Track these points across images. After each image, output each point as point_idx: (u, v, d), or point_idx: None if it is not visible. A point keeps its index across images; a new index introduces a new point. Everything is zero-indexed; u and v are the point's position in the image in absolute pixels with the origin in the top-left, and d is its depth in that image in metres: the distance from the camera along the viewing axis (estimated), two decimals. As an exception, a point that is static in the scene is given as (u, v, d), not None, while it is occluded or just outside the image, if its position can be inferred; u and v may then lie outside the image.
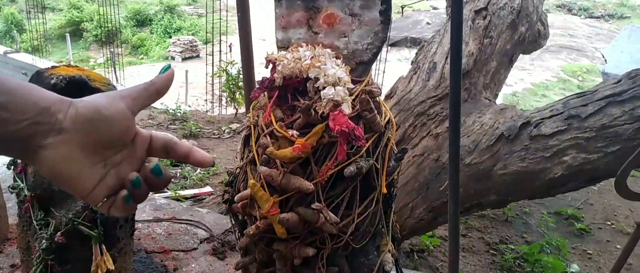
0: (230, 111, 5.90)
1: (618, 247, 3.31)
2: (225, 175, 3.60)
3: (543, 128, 2.27)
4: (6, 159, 1.59)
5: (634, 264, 3.14)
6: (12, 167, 1.29)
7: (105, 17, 12.09)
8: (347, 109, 1.04)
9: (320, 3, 1.18)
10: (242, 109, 5.24)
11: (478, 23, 2.73)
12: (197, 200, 3.17)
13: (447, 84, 2.53)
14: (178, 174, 3.71)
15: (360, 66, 1.19)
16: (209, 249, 1.71)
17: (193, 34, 20.01)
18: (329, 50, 1.14)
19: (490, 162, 2.33)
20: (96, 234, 1.25)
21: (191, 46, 18.51)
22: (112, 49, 13.00)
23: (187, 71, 12.12)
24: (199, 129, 4.63)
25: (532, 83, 16.03)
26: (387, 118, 1.22)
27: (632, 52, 5.95)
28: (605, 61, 6.16)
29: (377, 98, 1.20)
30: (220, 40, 9.38)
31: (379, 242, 1.29)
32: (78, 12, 20.62)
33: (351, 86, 1.11)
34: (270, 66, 1.13)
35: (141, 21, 21.36)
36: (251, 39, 2.03)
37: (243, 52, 2.04)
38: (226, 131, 4.66)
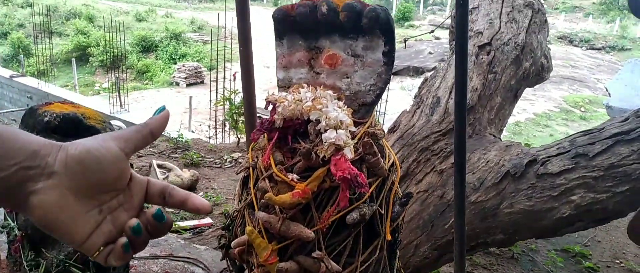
0: (233, 139, 5.89)
1: (627, 286, 3.23)
2: (226, 205, 3.57)
3: (550, 166, 2.22)
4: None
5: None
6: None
7: (111, 42, 12.22)
8: (349, 153, 1.01)
9: (322, 43, 1.16)
10: (244, 138, 5.23)
11: (482, 58, 2.72)
12: (196, 231, 3.12)
13: (450, 119, 2.50)
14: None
15: (362, 108, 1.16)
16: (206, 289, 1.65)
17: (198, 61, 20.20)
18: (330, 92, 1.11)
19: (496, 200, 2.28)
20: (88, 276, 1.21)
21: (196, 72, 18.66)
22: (117, 75, 13.08)
23: (191, 97, 12.17)
24: (200, 158, 4.60)
25: (534, 113, 16.04)
26: (391, 161, 1.18)
27: (635, 86, 5.95)
28: (609, 94, 6.17)
29: (381, 140, 1.16)
30: (224, 67, 9.44)
31: (382, 290, 1.23)
32: (85, 38, 20.89)
33: (353, 128, 1.08)
34: (270, 107, 1.10)
35: (147, 47, 21.60)
36: (253, 75, 2.01)
37: (244, 87, 2.02)
38: (228, 159, 4.63)
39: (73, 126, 1.18)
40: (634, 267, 3.51)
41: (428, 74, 3.09)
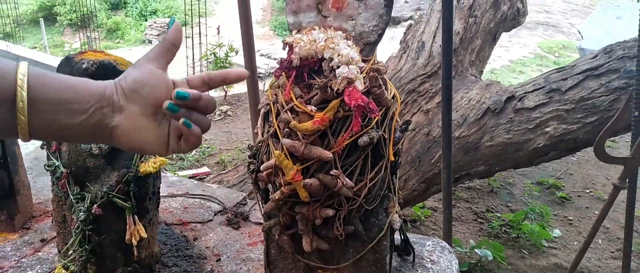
0: (219, 93, 5.95)
1: (596, 212, 3.52)
2: (221, 154, 3.72)
3: (526, 101, 2.43)
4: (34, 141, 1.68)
5: (611, 228, 3.35)
6: (46, 146, 1.39)
7: (78, 0, 11.81)
8: (360, 85, 1.17)
9: (329, -11, 1.29)
10: (232, 92, 5.31)
11: (463, 3, 2.86)
12: (197, 180, 3.27)
13: (435, 62, 2.67)
14: (174, 156, 3.79)
15: (367, 47, 1.32)
16: (223, 220, 1.83)
17: (169, 16, 19.68)
18: (340, 32, 1.25)
19: (477, 135, 2.48)
20: (129, 206, 1.36)
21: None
22: (87, 34, 12.72)
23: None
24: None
25: (510, 60, 16.29)
26: (392, 93, 1.35)
27: (607, 28, 6.16)
28: (582, 36, 6.38)
29: (383, 75, 1.32)
30: (199, 22, 9.29)
31: (386, 204, 1.42)
32: (51, -4, 20.13)
33: (361, 64, 1.23)
34: (287, 48, 1.25)
35: (115, 4, 20.93)
36: (251, 17, 2.12)
37: (243, 33, 2.13)
38: (217, 112, 4.73)
39: (109, 71, 1.31)
40: (602, 195, 3.80)
41: (409, 22, 3.23)
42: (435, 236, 3.15)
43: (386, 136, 1.30)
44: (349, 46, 1.20)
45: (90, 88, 0.65)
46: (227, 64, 5.06)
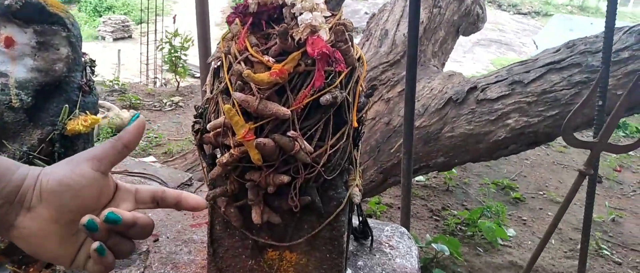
0: (169, 87, 5.73)
1: (549, 214, 3.55)
2: (169, 144, 3.53)
3: (489, 92, 2.38)
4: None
5: (563, 229, 3.38)
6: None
7: (28, -9, 11.31)
8: (324, 35, 1.04)
9: None
10: (184, 83, 5.11)
11: (428, -7, 2.81)
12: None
13: (398, 50, 2.59)
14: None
15: (333, 0, 1.19)
16: (165, 201, 1.66)
17: (125, 14, 19.14)
18: (303, -21, 1.13)
19: (438, 125, 2.41)
20: (52, 170, 1.19)
21: (123, 26, 17.71)
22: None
23: (119, 51, 11.61)
24: (139, 101, 4.46)
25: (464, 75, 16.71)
26: (358, 55, 1.23)
27: (560, 39, 6.33)
28: (536, 47, 6.54)
29: (349, 33, 1.20)
30: (155, 20, 9.05)
31: (346, 177, 1.30)
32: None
33: (327, 14, 1.11)
34: (244, -9, 1.11)
35: (69, -2, 20.18)
36: (208, 11, 1.98)
37: (199, 15, 1.98)
38: (168, 103, 4.52)
39: (35, 12, 1.14)
40: (555, 197, 3.84)
41: (373, 12, 3.15)
42: (390, 232, 3.06)
43: (350, 100, 1.19)
44: (313, -7, 1.08)
45: (7, 177, 0.55)
46: (183, 54, 4.86)
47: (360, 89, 1.25)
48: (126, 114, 3.88)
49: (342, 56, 1.11)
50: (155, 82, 7.41)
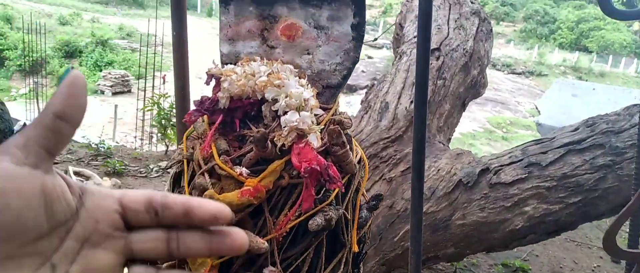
0: (161, 148, 5.49)
1: (566, 301, 3.23)
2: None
3: (503, 175, 2.13)
4: None
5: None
6: None
7: (30, 46, 11.38)
8: (315, 141, 0.80)
9: (278, 10, 0.95)
10: (174, 146, 4.87)
11: (431, 64, 2.61)
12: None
13: (400, 125, 2.36)
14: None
15: (327, 91, 0.96)
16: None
17: (126, 69, 19.25)
18: (290, 66, 0.90)
19: (448, 211, 2.14)
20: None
21: (123, 81, 17.75)
22: (36, 80, 12.19)
23: (116, 106, 11.51)
24: (124, 167, 4.21)
25: (460, 133, 16.66)
26: (358, 156, 0.98)
27: (563, 105, 6.23)
28: (539, 112, 6.40)
29: (348, 131, 0.96)
30: (154, 75, 8.97)
31: (345, 313, 1.01)
32: (1, 39, 19.34)
33: (319, 112, 0.87)
34: (213, 82, 0.87)
35: (70, 53, 20.32)
36: (188, 59, 1.76)
37: (178, 77, 1.77)
38: (154, 169, 4.28)
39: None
40: (571, 281, 3.53)
41: (372, 82, 2.96)
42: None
43: (348, 217, 0.93)
44: (302, 86, 0.85)
45: None
46: (173, 116, 4.66)
47: (361, 199, 1.00)
48: (107, 183, 3.62)
49: (337, 164, 0.86)
50: (142, 145, 7.20)
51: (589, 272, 3.63)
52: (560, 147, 2.15)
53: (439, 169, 2.24)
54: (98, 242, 0.39)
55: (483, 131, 17.41)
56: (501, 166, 2.16)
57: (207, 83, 0.85)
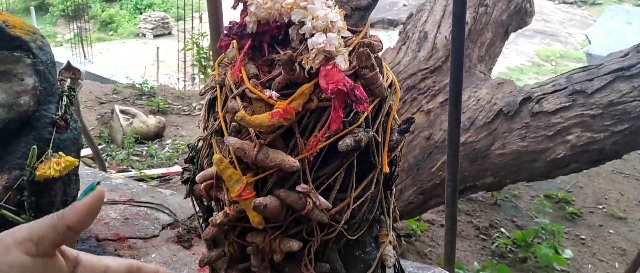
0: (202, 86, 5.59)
1: (611, 231, 3.20)
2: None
3: (545, 104, 2.08)
4: None
5: (628, 249, 3.02)
6: None
7: (72, -9, 11.59)
8: (342, 63, 0.80)
9: None
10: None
11: (472, -10, 2.51)
12: (164, 180, 2.92)
13: (439, 55, 2.32)
14: (144, 152, 3.44)
15: (356, 13, 0.95)
16: (172, 236, 1.47)
17: (165, 11, 19.36)
18: (317, -12, 0.88)
19: (487, 141, 2.13)
20: (24, 220, 1.01)
21: (163, 23, 17.89)
22: (79, 25, 12.49)
23: (158, 48, 11.66)
24: (167, 105, 4.33)
25: (507, 67, 16.12)
26: (389, 80, 0.98)
27: (615, 33, 5.87)
28: (589, 42, 6.08)
29: (378, 54, 0.95)
30: (192, 16, 9.02)
31: (377, 231, 1.05)
32: (44, -15, 19.72)
33: (347, 34, 0.87)
34: (240, 7, 0.88)
35: (111, -4, 20.55)
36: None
37: (211, 13, 1.78)
38: (196, 106, 4.38)
39: (-8, 34, 0.94)
40: (616, 212, 3.48)
41: (410, 12, 2.88)
42: (432, 254, 2.80)
43: (379, 139, 0.94)
44: (328, 7, 0.84)
45: None
46: (209, 55, 4.71)
47: (392, 123, 1.00)
48: (152, 121, 3.75)
49: (367, 87, 0.86)
50: (185, 86, 7.35)
51: (635, 203, 3.55)
52: (608, 74, 2.06)
53: (479, 99, 2.21)
54: None
55: (531, 65, 16.77)
56: (544, 94, 2.10)
57: (234, 7, 0.86)
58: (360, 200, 0.92)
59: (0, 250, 0.44)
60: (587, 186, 3.73)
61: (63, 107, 1.06)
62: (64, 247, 0.49)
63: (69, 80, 1.13)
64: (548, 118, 2.03)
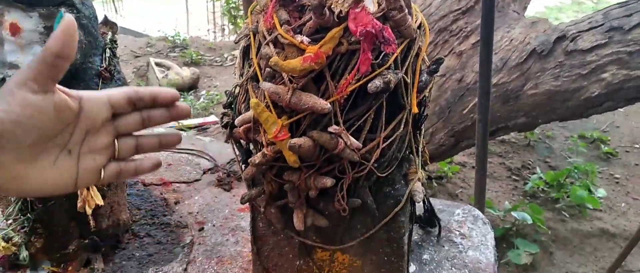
0: (233, 38, 5.63)
1: (646, 170, 3.16)
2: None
3: (580, 42, 2.03)
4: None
5: None
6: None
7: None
8: (371, 5, 0.82)
9: None
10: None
11: None
12: (201, 129, 3.02)
13: (471, -5, 2.27)
14: (181, 98, 3.53)
15: (384, -44, 0.95)
16: (213, 180, 1.56)
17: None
18: None
19: (519, 81, 2.11)
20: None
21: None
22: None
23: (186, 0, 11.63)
24: (200, 57, 4.40)
25: (545, 6, 15.43)
26: (418, 21, 1.00)
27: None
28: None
29: (406, -4, 0.96)
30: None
31: (406, 169, 1.10)
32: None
33: (375, -23, 0.88)
34: (272, -46, 0.90)
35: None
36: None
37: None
38: (228, 58, 4.43)
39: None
40: (653, 151, 3.42)
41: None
42: (463, 195, 2.84)
43: (408, 80, 0.97)
44: (356, -50, 0.85)
45: None
46: (239, 4, 4.69)
47: (421, 64, 1.03)
48: (187, 72, 3.83)
49: (396, 29, 0.89)
50: (215, 37, 7.36)
51: (674, 141, 3.47)
52: (648, 8, 2.00)
53: (511, 39, 2.18)
54: (96, 130, 0.57)
55: (571, 3, 16.02)
56: (579, 32, 2.06)
57: (265, -45, 0.88)
58: (390, 140, 0.96)
59: (6, 97, 0.49)
60: (623, 125, 3.65)
61: (107, 59, 1.12)
62: (68, 90, 0.54)
63: (110, 33, 1.19)
64: (583, 56, 2.00)
